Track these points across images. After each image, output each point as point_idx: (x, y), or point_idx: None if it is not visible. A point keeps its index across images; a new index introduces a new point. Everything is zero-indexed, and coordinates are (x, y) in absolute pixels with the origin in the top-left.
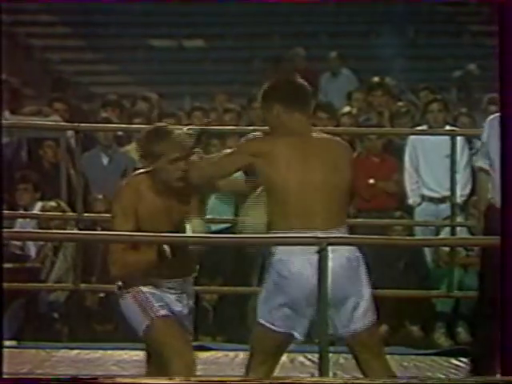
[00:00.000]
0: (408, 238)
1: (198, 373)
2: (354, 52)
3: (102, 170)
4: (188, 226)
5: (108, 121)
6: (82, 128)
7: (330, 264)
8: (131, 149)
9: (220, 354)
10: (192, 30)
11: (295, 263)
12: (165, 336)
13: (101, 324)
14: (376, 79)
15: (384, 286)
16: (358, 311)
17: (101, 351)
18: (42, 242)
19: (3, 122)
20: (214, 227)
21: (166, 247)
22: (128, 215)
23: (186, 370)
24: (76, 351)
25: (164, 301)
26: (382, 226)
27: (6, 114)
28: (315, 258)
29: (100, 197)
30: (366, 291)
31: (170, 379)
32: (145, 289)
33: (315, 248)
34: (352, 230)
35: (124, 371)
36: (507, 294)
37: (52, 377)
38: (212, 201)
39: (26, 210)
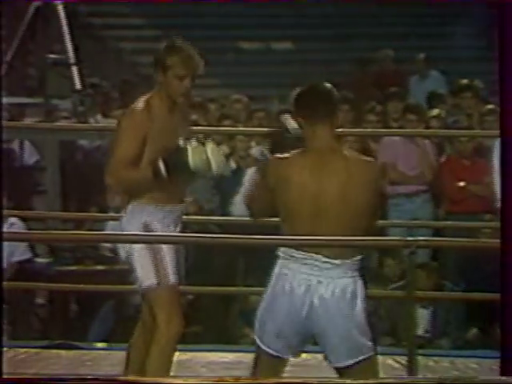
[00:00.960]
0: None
1: (285, 374)
2: (443, 54)
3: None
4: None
5: (194, 123)
6: None
7: (322, 292)
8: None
9: (309, 356)
10: (280, 32)
11: (291, 280)
12: (164, 302)
13: (189, 326)
14: (465, 81)
15: (473, 289)
16: (347, 345)
17: (189, 353)
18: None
19: (96, 124)
20: None
21: (161, 166)
22: (138, 136)
23: (172, 338)
24: None
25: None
26: (471, 228)
27: (98, 117)
28: (313, 277)
29: (190, 199)
30: (360, 325)
31: (171, 379)
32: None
33: (313, 270)
34: (440, 232)
35: (213, 373)
36: (507, 293)
37: (52, 377)
38: None
39: (117, 212)
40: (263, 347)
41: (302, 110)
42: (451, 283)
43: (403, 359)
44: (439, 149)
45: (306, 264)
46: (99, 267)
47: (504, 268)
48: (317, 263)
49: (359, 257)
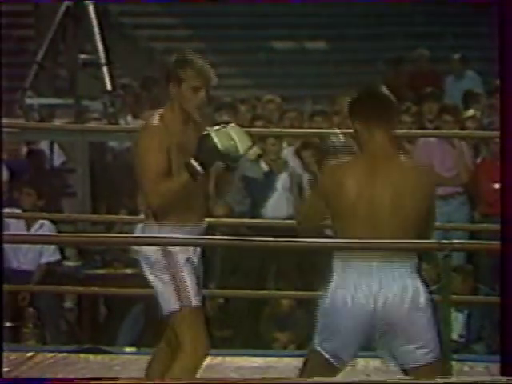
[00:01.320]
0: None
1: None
2: (479, 53)
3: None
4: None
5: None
6: None
7: (384, 297)
8: (252, 152)
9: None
10: (314, 32)
11: (352, 291)
12: (189, 326)
13: (220, 330)
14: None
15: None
16: (413, 345)
17: (219, 357)
18: None
19: (126, 126)
20: None
21: (194, 163)
22: (163, 150)
23: (197, 361)
24: None
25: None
26: None
27: (129, 118)
28: (374, 285)
29: (221, 202)
30: (427, 325)
31: (172, 380)
32: (181, 260)
33: (372, 277)
34: (476, 235)
35: (243, 377)
36: (507, 294)
37: (53, 377)
38: None
39: None
40: (325, 354)
41: (360, 114)
42: (487, 287)
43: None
44: (475, 150)
45: (364, 273)
46: (128, 270)
47: (504, 269)
48: (375, 270)
49: (415, 258)
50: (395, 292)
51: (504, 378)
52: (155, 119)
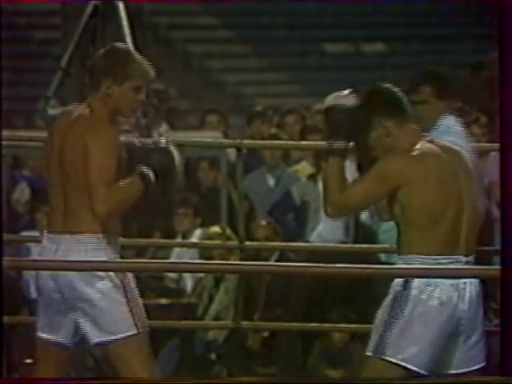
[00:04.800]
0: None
1: None
2: None
3: (268, 192)
4: None
5: (276, 137)
6: (246, 145)
7: (468, 294)
8: (301, 168)
9: None
10: (371, 33)
11: (439, 292)
12: (143, 351)
13: (264, 366)
14: None
15: None
16: (475, 349)
17: None
18: (201, 275)
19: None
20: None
21: (147, 172)
22: (115, 155)
23: None
24: None
25: None
26: None
27: (163, 128)
28: (462, 284)
29: (263, 223)
30: (482, 329)
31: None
32: (132, 281)
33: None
34: None
35: None
36: (507, 294)
37: (53, 377)
38: None
39: (184, 237)
40: (409, 366)
41: (392, 113)
42: None
43: None
44: None
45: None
46: (163, 300)
47: (504, 268)
48: (459, 265)
49: None
50: (474, 291)
51: (504, 378)
52: (102, 119)
